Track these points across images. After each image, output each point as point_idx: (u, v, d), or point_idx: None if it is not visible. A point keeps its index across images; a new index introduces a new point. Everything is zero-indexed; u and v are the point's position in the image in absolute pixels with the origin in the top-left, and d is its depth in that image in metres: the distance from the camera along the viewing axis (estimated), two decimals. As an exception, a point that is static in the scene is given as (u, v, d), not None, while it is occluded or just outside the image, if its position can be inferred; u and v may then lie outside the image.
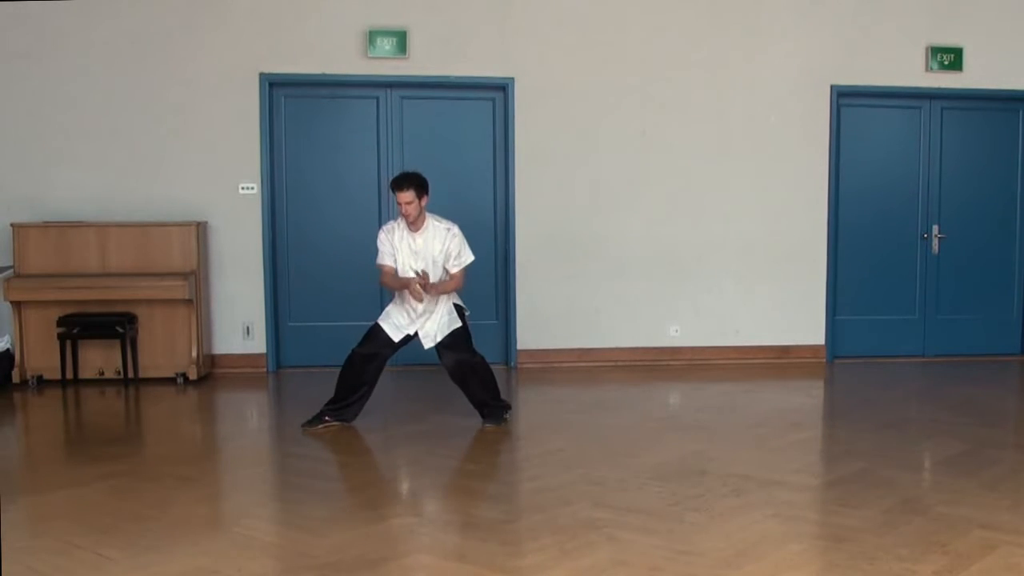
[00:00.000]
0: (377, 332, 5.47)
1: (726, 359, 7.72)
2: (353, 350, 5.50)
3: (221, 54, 7.16)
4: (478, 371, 5.55)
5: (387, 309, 5.56)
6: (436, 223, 5.43)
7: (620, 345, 7.66)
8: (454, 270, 5.45)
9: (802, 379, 7.34)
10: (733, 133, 7.64)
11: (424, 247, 5.39)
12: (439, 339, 5.44)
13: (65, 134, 7.10)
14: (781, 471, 4.70)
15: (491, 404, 5.63)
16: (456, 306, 5.52)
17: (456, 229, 5.45)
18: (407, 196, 5.26)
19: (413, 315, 5.43)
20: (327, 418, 5.54)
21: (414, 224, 5.38)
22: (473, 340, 5.59)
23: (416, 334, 5.45)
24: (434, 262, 5.39)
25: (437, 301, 5.43)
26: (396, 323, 5.45)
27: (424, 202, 5.34)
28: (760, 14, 7.59)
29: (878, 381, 7.21)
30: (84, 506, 4.19)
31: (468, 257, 5.48)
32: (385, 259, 5.44)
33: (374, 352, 5.46)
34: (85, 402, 6.53)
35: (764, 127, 7.66)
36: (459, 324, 5.48)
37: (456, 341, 5.48)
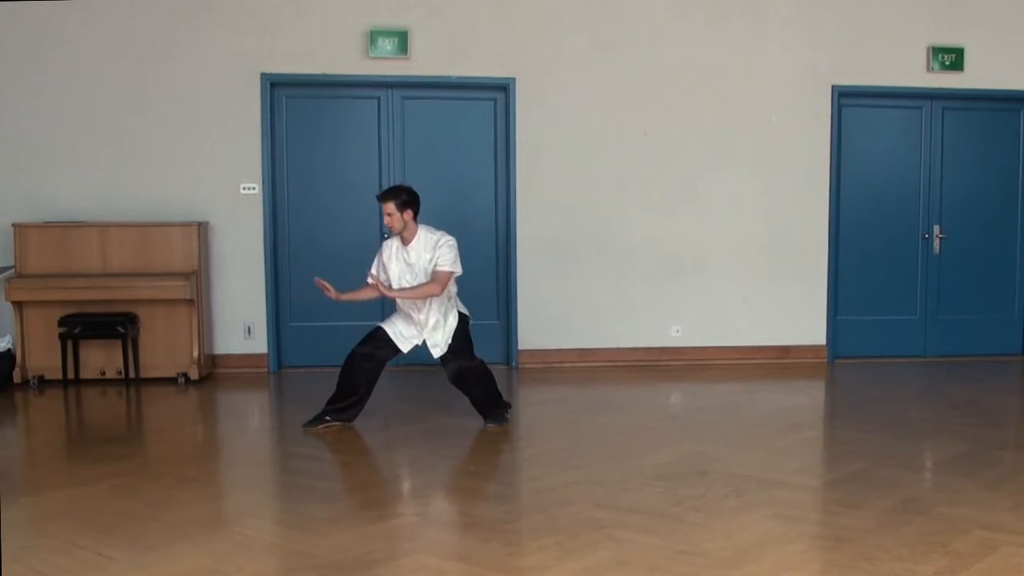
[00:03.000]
0: (379, 334, 5.48)
1: (727, 359, 7.72)
2: (353, 349, 5.51)
3: (222, 54, 7.16)
4: (478, 375, 5.57)
5: (392, 318, 5.56)
6: (428, 234, 5.38)
7: (621, 345, 7.66)
8: (434, 270, 5.32)
9: (803, 379, 7.34)
10: (734, 133, 7.63)
11: (416, 259, 5.38)
12: (448, 346, 5.45)
13: (66, 134, 7.09)
14: (782, 471, 4.70)
15: (492, 405, 5.65)
16: (461, 314, 5.52)
17: (448, 238, 5.36)
18: (388, 208, 5.31)
19: (421, 328, 5.43)
20: (328, 418, 5.55)
21: (403, 237, 5.38)
22: (473, 345, 5.59)
23: (424, 344, 5.47)
24: (425, 272, 5.36)
25: (444, 312, 5.42)
26: (403, 334, 5.45)
27: (408, 216, 5.31)
28: (761, 14, 7.59)
29: (879, 381, 7.21)
30: (85, 506, 4.19)
31: (452, 266, 5.31)
32: (371, 268, 5.51)
33: (373, 352, 5.47)
34: (86, 402, 6.53)
35: (765, 127, 7.66)
36: (462, 331, 5.49)
37: (458, 349, 5.49)
